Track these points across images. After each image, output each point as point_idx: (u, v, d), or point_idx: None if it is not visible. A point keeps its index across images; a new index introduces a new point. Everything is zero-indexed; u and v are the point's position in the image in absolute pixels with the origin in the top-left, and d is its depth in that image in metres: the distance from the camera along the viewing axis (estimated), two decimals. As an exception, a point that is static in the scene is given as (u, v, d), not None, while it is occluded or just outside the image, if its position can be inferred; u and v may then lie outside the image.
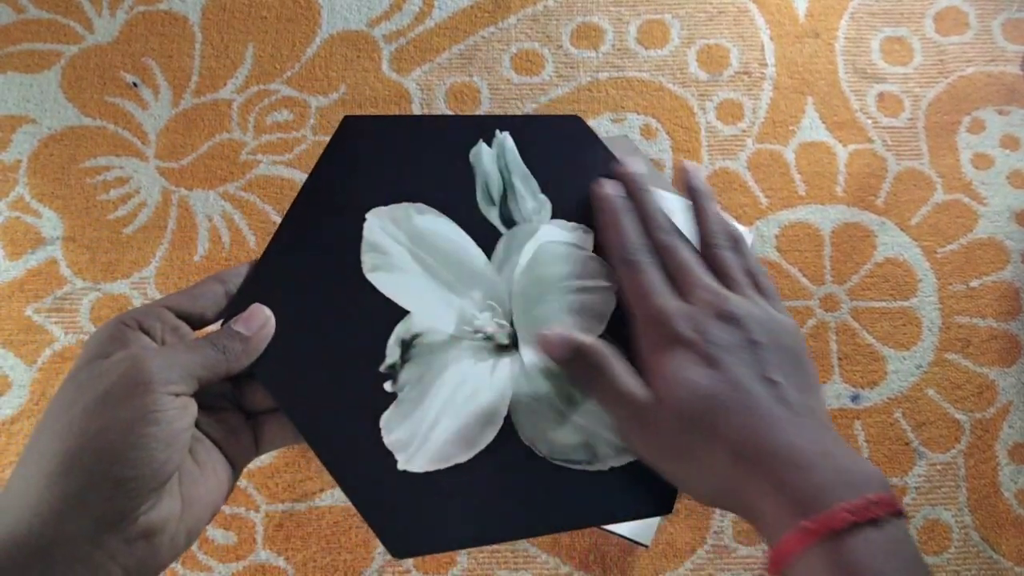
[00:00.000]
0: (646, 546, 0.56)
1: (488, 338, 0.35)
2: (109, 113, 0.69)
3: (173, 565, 0.58)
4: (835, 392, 0.63)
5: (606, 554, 0.59)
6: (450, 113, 0.69)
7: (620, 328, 0.35)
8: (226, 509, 0.59)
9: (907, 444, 0.63)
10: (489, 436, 0.33)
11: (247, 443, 0.33)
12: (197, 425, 0.31)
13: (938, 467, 0.62)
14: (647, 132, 0.70)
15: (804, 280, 0.66)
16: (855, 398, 0.64)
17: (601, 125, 0.70)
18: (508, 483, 0.33)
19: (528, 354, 0.35)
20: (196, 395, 0.30)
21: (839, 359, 0.64)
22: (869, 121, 0.70)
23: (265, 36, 0.71)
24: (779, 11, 0.73)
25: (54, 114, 0.69)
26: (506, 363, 0.35)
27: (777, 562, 0.27)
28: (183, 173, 0.68)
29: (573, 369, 0.33)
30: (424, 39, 0.72)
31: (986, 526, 0.61)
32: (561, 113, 0.70)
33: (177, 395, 0.29)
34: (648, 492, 0.33)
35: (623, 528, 0.56)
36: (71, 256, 0.66)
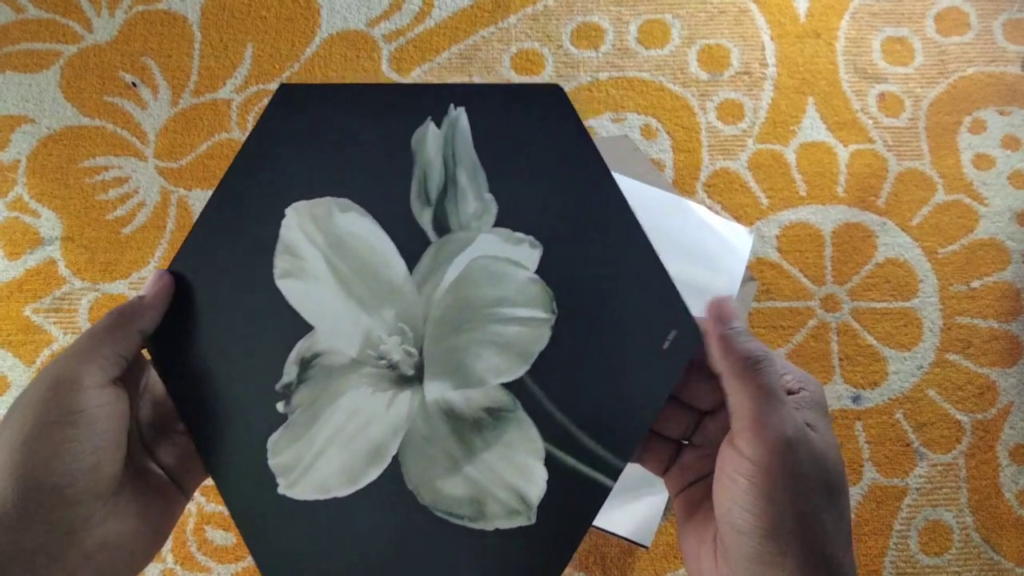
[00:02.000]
0: (646, 547, 0.56)
1: (392, 366, 0.32)
2: (108, 113, 0.69)
3: (172, 565, 0.58)
4: (836, 393, 0.63)
5: (606, 555, 0.59)
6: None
7: (546, 370, 0.31)
8: (225, 510, 0.59)
9: (908, 445, 0.62)
10: (373, 474, 0.31)
11: (198, 466, 0.32)
12: (149, 450, 0.31)
13: (939, 468, 0.62)
14: (647, 132, 0.69)
15: (805, 280, 0.66)
16: (856, 399, 0.63)
17: (601, 125, 0.70)
18: (383, 527, 0.31)
19: (432, 390, 0.31)
20: (148, 415, 0.30)
21: (840, 360, 0.64)
22: (870, 121, 0.70)
23: (264, 36, 0.71)
24: (780, 11, 0.73)
25: (53, 114, 0.69)
26: (406, 397, 0.31)
27: None
28: (182, 173, 0.68)
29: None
30: (424, 39, 0.72)
31: (987, 527, 0.61)
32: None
33: (101, 387, 0.28)
34: (532, 563, 0.30)
35: (622, 529, 0.56)
36: (70, 256, 0.66)
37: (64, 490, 0.26)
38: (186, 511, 0.59)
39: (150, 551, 0.30)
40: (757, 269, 0.66)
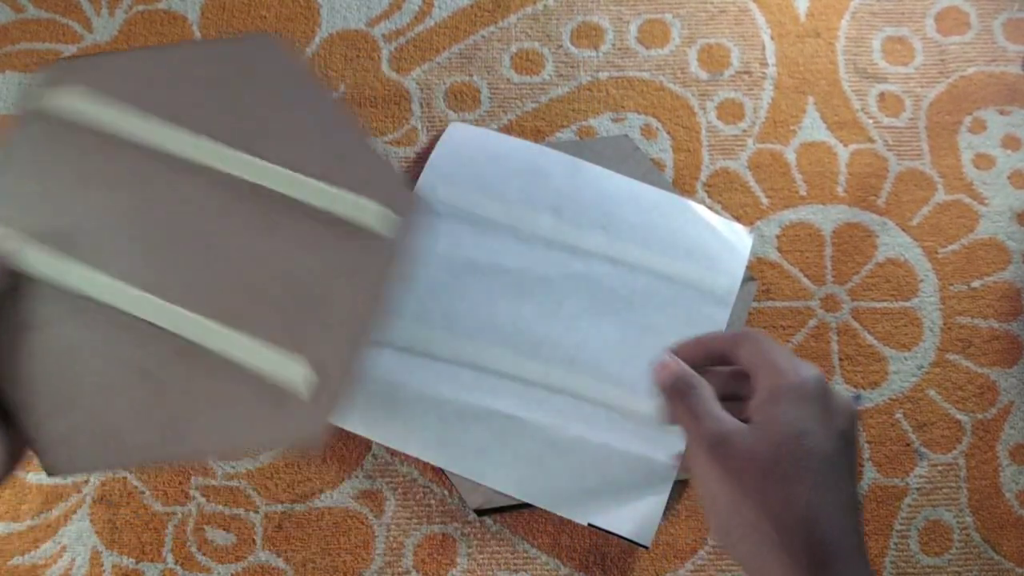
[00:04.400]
0: (646, 547, 0.56)
1: None
2: (108, 113, 0.69)
3: (172, 565, 0.58)
4: (836, 393, 0.63)
5: (606, 555, 0.59)
6: (451, 113, 0.69)
7: None
8: (225, 510, 0.59)
9: (908, 445, 0.62)
10: None
11: None
12: None
13: (939, 468, 0.62)
14: (647, 132, 0.69)
15: (805, 280, 0.66)
16: (856, 398, 0.63)
17: (602, 125, 0.69)
18: None
19: None
20: None
21: (840, 359, 0.64)
22: (870, 121, 0.70)
23: (264, 35, 0.71)
24: (780, 11, 0.73)
25: (53, 113, 0.69)
26: None
27: None
28: (182, 173, 0.68)
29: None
30: (424, 38, 0.71)
31: (987, 527, 0.61)
32: (560, 112, 0.70)
33: None
34: None
35: (622, 528, 0.56)
36: (70, 256, 0.66)
37: None
38: (186, 511, 0.59)
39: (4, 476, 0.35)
40: (757, 269, 0.66)
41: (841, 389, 0.64)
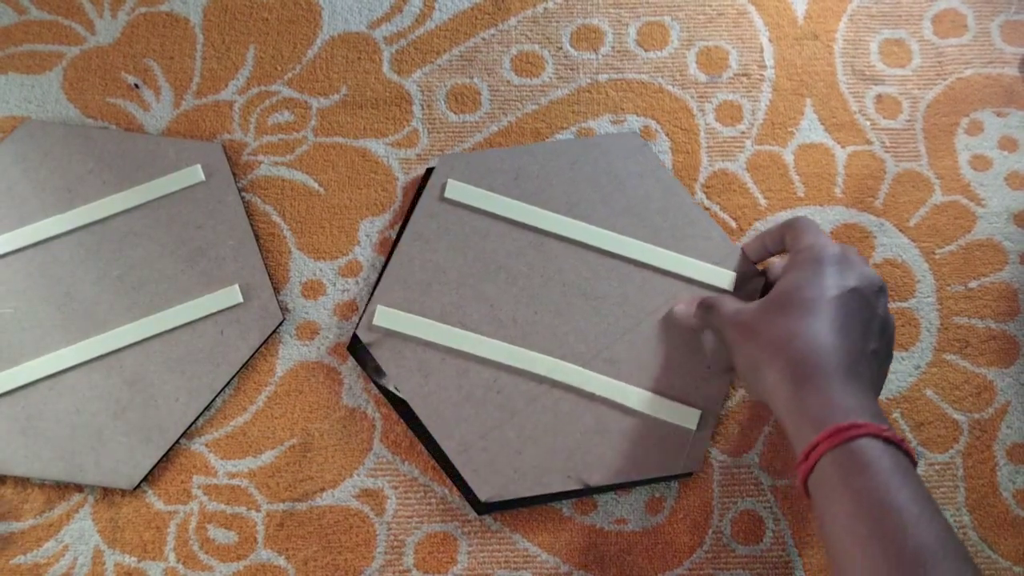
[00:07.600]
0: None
1: None
2: (111, 114, 0.69)
3: (174, 564, 0.58)
4: (834, 392, 0.64)
5: (605, 554, 0.59)
6: (451, 115, 0.70)
7: None
8: (227, 509, 0.60)
9: (906, 444, 0.63)
10: None
11: None
12: None
13: (936, 467, 0.62)
14: (647, 134, 0.70)
15: (803, 281, 0.66)
16: (854, 398, 0.64)
17: (601, 127, 0.70)
18: None
19: None
20: None
21: (838, 360, 0.64)
22: (868, 123, 0.71)
23: (266, 37, 0.72)
24: (778, 13, 0.73)
25: (55, 115, 0.69)
26: None
27: (808, 453, 0.41)
28: (184, 174, 0.68)
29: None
30: (424, 41, 0.72)
31: (984, 526, 0.61)
32: (559, 114, 0.70)
33: None
34: None
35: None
36: (72, 256, 0.66)
37: None
38: (188, 510, 0.59)
39: None
40: (756, 269, 0.66)
41: (839, 389, 0.64)
